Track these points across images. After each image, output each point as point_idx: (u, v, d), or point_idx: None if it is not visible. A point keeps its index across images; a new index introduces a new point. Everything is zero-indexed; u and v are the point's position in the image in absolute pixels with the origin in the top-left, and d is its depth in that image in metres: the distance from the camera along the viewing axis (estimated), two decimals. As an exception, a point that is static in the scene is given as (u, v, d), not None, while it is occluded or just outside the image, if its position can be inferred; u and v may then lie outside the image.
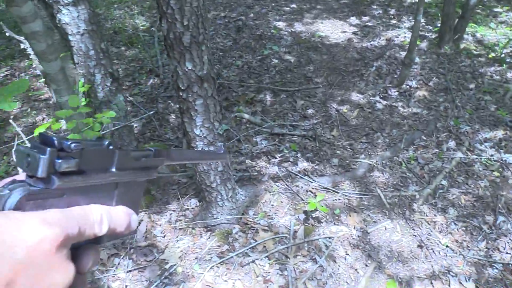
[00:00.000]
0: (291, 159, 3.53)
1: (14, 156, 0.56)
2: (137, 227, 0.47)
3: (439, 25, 5.83)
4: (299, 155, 3.59)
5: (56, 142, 0.34)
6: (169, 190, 3.20)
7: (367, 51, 5.41)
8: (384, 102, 4.27)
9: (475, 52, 5.15)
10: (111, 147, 0.40)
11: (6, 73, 5.55)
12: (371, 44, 5.57)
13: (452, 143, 3.63)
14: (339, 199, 3.10)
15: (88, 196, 0.38)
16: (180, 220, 2.92)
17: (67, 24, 2.64)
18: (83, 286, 0.37)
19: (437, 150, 3.58)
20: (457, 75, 4.67)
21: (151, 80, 5.05)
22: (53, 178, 0.34)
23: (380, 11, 6.72)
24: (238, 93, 4.60)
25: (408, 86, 4.49)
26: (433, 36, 5.61)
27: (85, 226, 0.35)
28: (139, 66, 5.38)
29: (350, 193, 3.17)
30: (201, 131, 2.46)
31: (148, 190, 3.17)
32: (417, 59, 4.88)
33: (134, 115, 4.24)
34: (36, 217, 0.30)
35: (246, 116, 4.09)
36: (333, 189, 3.19)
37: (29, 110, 4.63)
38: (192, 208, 3.03)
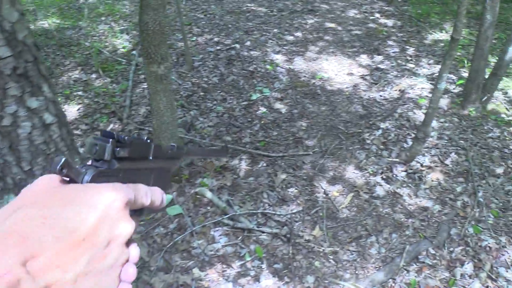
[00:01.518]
0: (252, 272, 2.68)
1: (86, 146, 0.49)
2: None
3: (464, 73, 4.89)
4: (264, 265, 2.73)
5: (115, 135, 0.47)
6: None
7: (374, 105, 4.50)
8: (387, 187, 3.38)
9: (506, 118, 4.21)
10: (149, 140, 0.54)
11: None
12: (380, 96, 4.67)
13: (469, 266, 2.73)
14: None
15: (135, 177, 0.49)
16: None
17: None
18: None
19: (447, 275, 2.69)
20: (482, 152, 3.74)
21: (112, 125, 4.24)
22: (114, 161, 0.46)
23: (397, 49, 5.79)
24: (209, 154, 3.76)
25: (419, 164, 3.58)
26: (456, 90, 4.68)
27: (138, 195, 0.45)
28: (103, 103, 4.57)
29: None
30: None
31: None
32: (433, 122, 3.97)
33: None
34: (108, 185, 0.41)
35: (209, 195, 3.24)
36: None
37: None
38: None
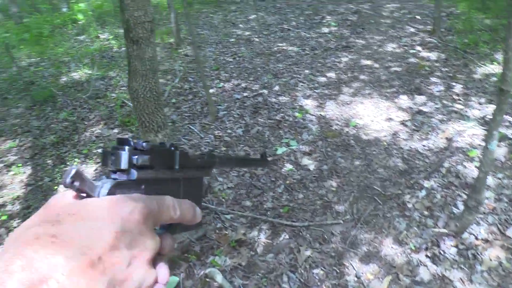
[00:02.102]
0: None
1: (101, 157, 0.57)
2: (201, 220, 0.49)
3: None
4: None
5: (131, 142, 0.42)
6: None
7: (416, 157, 3.93)
8: (433, 268, 2.79)
9: None
10: (173, 148, 0.48)
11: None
12: (423, 146, 4.09)
13: None
14: None
15: (160, 189, 0.44)
16: None
17: None
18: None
19: None
20: (553, 219, 3.07)
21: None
22: (133, 171, 0.41)
23: (441, 87, 5.19)
24: (225, 224, 3.35)
25: (472, 237, 2.97)
26: (515, 135, 4.02)
27: (162, 207, 0.41)
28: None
29: None
30: None
31: None
32: (488, 179, 3.35)
33: None
34: (125, 196, 0.38)
35: (219, 279, 2.81)
36: None
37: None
38: None
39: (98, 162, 4.44)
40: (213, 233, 3.26)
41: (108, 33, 8.77)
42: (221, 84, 5.85)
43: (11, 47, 8.72)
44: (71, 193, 0.38)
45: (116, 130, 5.02)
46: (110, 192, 0.39)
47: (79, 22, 9.80)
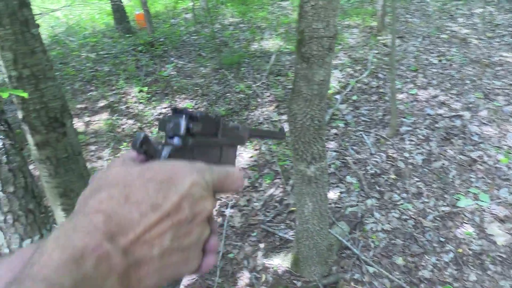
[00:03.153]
0: None
1: (159, 124, 0.46)
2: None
3: None
4: None
5: (187, 111, 0.45)
6: None
7: None
8: None
9: None
10: (217, 117, 0.52)
11: None
12: None
13: None
14: None
15: (206, 153, 0.49)
16: None
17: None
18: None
19: None
20: None
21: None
22: (188, 137, 0.45)
23: None
24: (364, 277, 2.76)
25: None
26: None
27: (226, 179, 0.43)
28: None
29: None
30: None
31: None
32: None
33: None
34: (193, 165, 0.40)
35: None
36: None
37: None
38: None
39: (255, 148, 4.22)
40: (346, 286, 2.71)
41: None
42: (415, 90, 4.97)
43: (221, 2, 9.15)
44: (132, 156, 0.41)
45: (284, 117, 4.71)
46: (170, 156, 0.42)
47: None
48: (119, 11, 7.63)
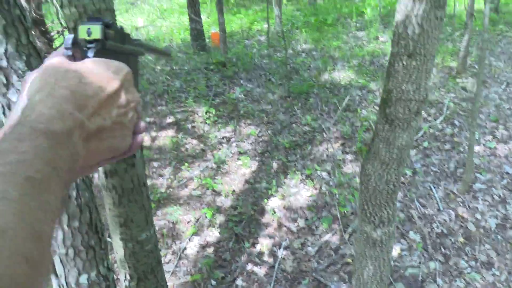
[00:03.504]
0: None
1: (77, 29, 0.52)
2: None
3: None
4: None
5: (101, 19, 0.50)
6: None
7: None
8: None
9: None
10: (123, 28, 0.57)
11: None
12: None
13: None
14: None
15: (117, 58, 0.52)
16: None
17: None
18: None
19: None
20: None
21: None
22: (105, 42, 0.50)
23: None
24: None
25: None
26: None
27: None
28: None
29: None
30: None
31: None
32: None
33: None
34: (120, 62, 0.50)
35: None
36: None
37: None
38: None
39: (315, 187, 4.11)
40: None
41: (388, 37, 8.19)
42: (493, 143, 4.63)
43: (295, 27, 9.17)
44: (58, 58, 0.46)
45: (349, 156, 4.57)
46: (95, 56, 0.48)
47: (364, 16, 9.53)
48: (196, 28, 7.87)
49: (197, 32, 7.90)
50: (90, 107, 0.42)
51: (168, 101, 5.92)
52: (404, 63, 1.68)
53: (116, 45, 0.54)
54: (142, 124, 0.52)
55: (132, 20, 10.27)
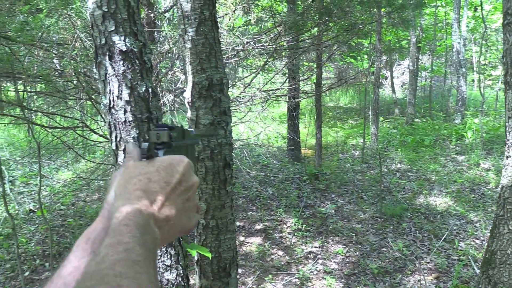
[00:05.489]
0: None
1: (148, 135, 0.96)
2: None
3: None
4: None
5: (166, 124, 0.65)
6: None
7: None
8: None
9: None
10: (182, 126, 0.74)
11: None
12: None
13: None
14: None
15: (180, 151, 0.68)
16: None
17: None
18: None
19: None
20: None
21: None
22: (171, 143, 0.65)
23: None
24: None
25: None
26: None
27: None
28: None
29: None
30: None
31: None
32: None
33: None
34: (181, 156, 0.63)
35: None
36: None
37: None
38: None
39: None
40: None
41: (491, 164, 7.85)
42: None
43: (391, 145, 9.21)
44: (133, 161, 0.61)
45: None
46: (164, 155, 0.63)
47: (465, 140, 9.31)
48: (293, 139, 8.28)
49: (293, 142, 8.30)
50: (159, 200, 0.54)
51: (259, 207, 6.13)
52: (510, 227, 1.66)
53: (178, 142, 0.69)
54: (199, 205, 0.67)
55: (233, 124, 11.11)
